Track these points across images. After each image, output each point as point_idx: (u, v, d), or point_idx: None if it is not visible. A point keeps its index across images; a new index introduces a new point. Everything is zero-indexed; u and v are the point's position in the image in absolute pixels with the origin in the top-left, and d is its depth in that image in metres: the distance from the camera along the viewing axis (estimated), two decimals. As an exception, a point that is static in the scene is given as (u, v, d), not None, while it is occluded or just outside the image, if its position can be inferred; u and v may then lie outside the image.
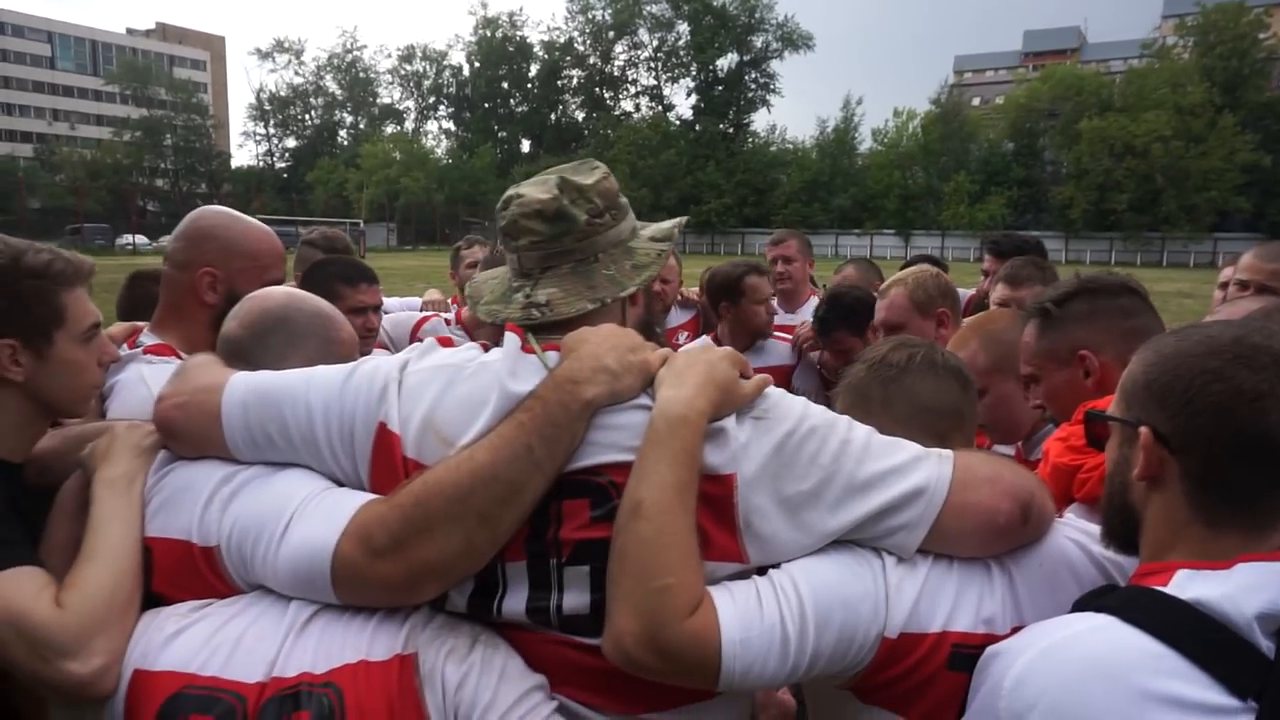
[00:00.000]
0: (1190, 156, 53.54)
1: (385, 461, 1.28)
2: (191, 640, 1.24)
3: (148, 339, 1.97)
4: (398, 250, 51.94)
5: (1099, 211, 56.42)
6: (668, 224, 1.53)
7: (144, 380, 1.80)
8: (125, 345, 1.96)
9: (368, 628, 1.24)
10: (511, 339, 1.33)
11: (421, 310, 3.73)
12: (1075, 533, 1.33)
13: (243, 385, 1.38)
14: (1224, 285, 3.58)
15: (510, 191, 1.42)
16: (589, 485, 1.23)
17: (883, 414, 1.44)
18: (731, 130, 71.71)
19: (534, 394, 1.23)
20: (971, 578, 1.25)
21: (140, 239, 45.42)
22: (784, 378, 3.71)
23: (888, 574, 1.23)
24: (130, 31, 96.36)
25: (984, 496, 1.24)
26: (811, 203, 63.38)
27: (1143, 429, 1.08)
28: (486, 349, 1.38)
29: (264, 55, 78.94)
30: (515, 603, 1.24)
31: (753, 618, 1.16)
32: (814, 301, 4.42)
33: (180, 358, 1.87)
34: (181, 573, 1.33)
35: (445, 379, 1.31)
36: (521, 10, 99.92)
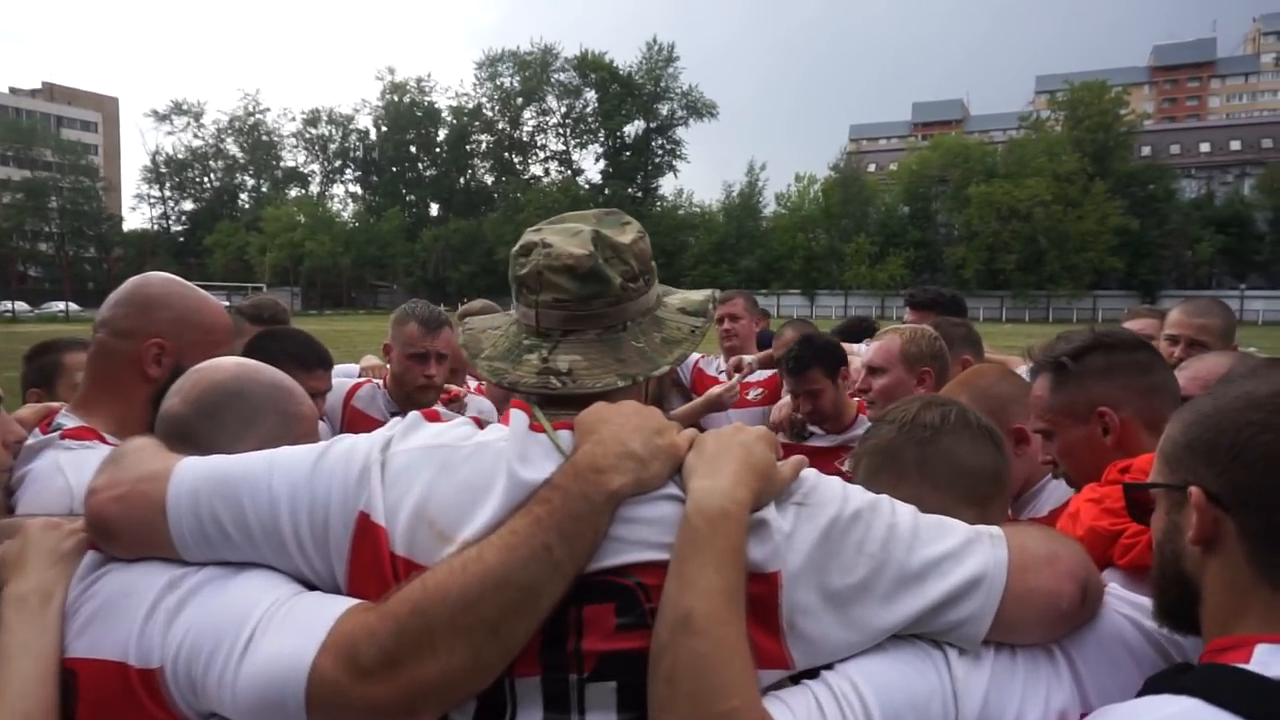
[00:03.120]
0: (1069, 220, 57.40)
1: (369, 559, 1.10)
2: None
3: (66, 420, 1.72)
4: (302, 315, 50.36)
5: (989, 271, 59.55)
6: (699, 296, 1.37)
7: (61, 469, 1.56)
8: (38, 430, 1.71)
9: None
10: (519, 416, 1.17)
11: (360, 376, 3.51)
12: (1125, 607, 1.23)
13: (192, 472, 1.19)
14: None
15: (532, 236, 1.24)
16: (614, 587, 1.07)
17: (919, 480, 1.34)
18: (640, 194, 73.07)
19: (550, 483, 1.07)
20: (1037, 666, 1.16)
21: (21, 305, 42.99)
22: None
23: (953, 668, 1.11)
24: (14, 90, 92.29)
25: (1045, 580, 1.14)
26: (719, 264, 64.75)
27: (1192, 489, 1.03)
28: (480, 425, 1.21)
29: (161, 117, 76.62)
30: None
31: None
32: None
33: (105, 442, 1.64)
34: (114, 702, 1.11)
35: (438, 462, 1.14)
36: (429, 76, 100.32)
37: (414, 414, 1.24)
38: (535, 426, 1.16)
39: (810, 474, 1.18)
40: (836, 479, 1.20)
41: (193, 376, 1.38)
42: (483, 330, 1.33)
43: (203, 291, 1.90)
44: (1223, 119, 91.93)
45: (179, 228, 78.77)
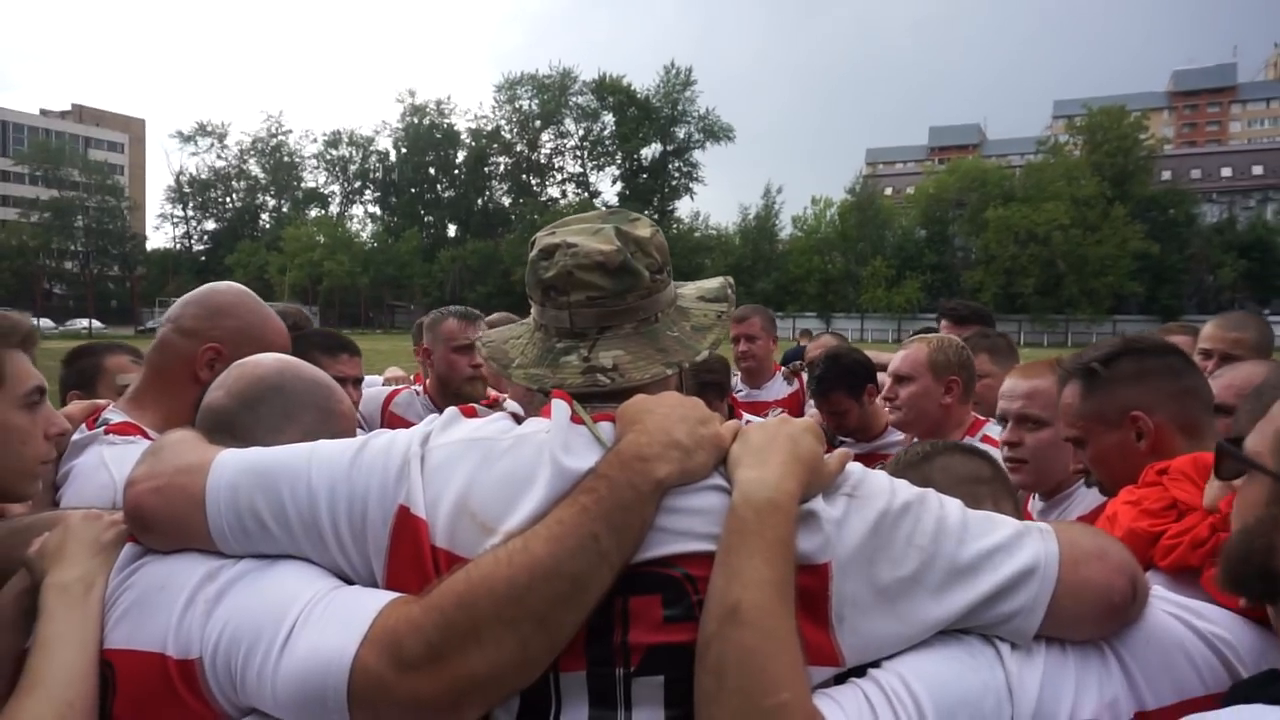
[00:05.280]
0: (1087, 244, 57.16)
1: (409, 552, 1.09)
2: None
3: (113, 415, 1.75)
4: (321, 333, 50.63)
5: (1007, 295, 59.27)
6: (714, 283, 1.37)
7: (105, 464, 1.60)
8: (85, 426, 1.74)
9: None
10: (561, 407, 1.15)
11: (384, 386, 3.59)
12: (1174, 607, 1.22)
13: (232, 464, 1.18)
14: None
15: (550, 239, 1.23)
16: (660, 579, 1.05)
17: None
18: (656, 217, 73.08)
19: (596, 473, 1.06)
20: (1088, 661, 1.14)
21: (46, 322, 43.63)
22: None
23: (1006, 663, 1.09)
24: (44, 112, 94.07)
25: (1097, 573, 1.13)
26: (735, 287, 64.68)
27: None
28: (518, 419, 1.20)
29: (186, 138, 77.84)
30: None
31: None
32: (779, 378, 4.41)
33: (149, 438, 1.67)
34: (151, 694, 1.09)
35: (479, 454, 1.13)
36: (449, 99, 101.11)
37: (451, 410, 1.23)
38: (575, 419, 1.15)
39: (857, 467, 1.17)
40: (883, 473, 1.20)
41: (235, 370, 1.41)
42: (504, 341, 1.34)
43: (271, 310, 1.95)
44: (1244, 144, 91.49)
45: (201, 247, 79.70)
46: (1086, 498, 1.96)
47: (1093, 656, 1.14)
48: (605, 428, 1.14)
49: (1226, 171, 78.63)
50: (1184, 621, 1.20)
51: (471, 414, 1.24)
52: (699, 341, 1.26)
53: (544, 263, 1.24)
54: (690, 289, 1.37)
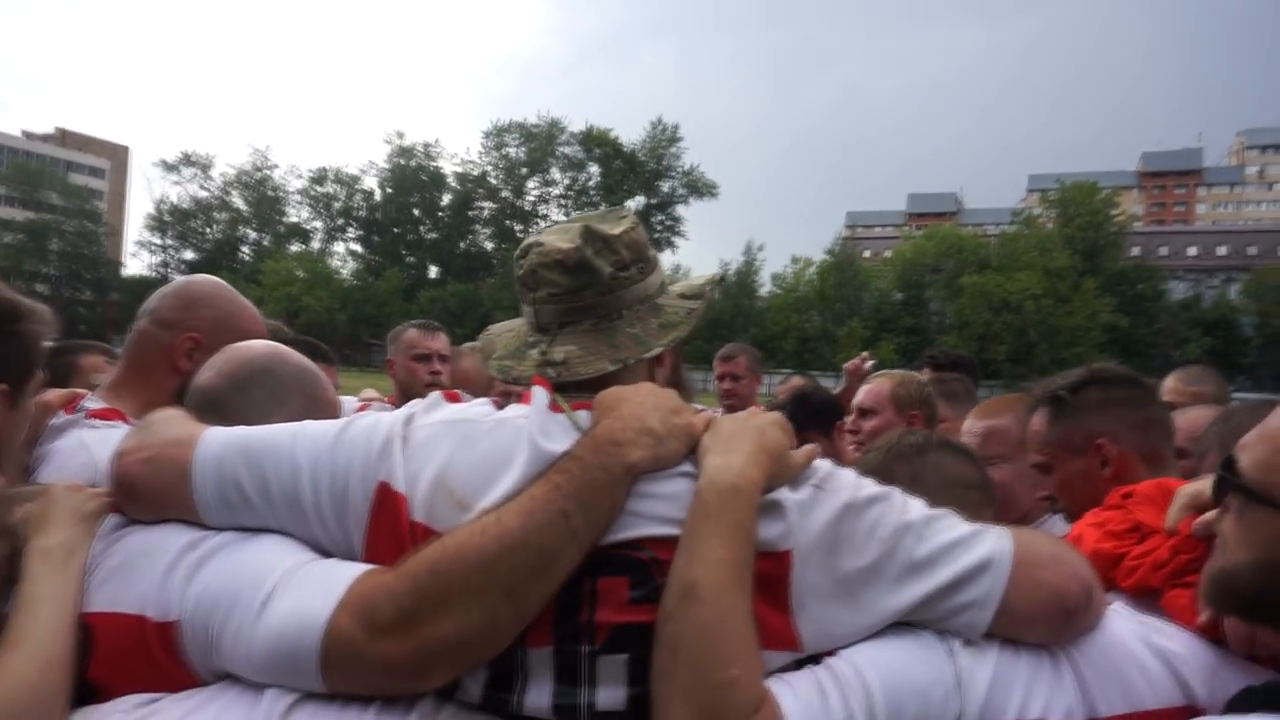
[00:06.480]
0: (1059, 315, 58.27)
1: (388, 526, 1.13)
2: None
3: (93, 403, 1.77)
4: (294, 368, 50.29)
5: (980, 361, 59.43)
6: (699, 280, 1.43)
7: (86, 445, 1.61)
8: (64, 411, 1.76)
9: None
10: (540, 393, 1.20)
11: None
12: (1132, 623, 1.26)
13: (219, 439, 1.22)
14: None
15: (530, 239, 1.33)
16: (628, 561, 1.10)
17: (912, 490, 1.39)
18: (638, 267, 73.76)
19: (570, 454, 1.11)
20: (1040, 664, 1.17)
21: (12, 344, 42.91)
22: None
23: (957, 659, 1.12)
24: (27, 135, 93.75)
25: (1051, 575, 1.16)
26: (714, 340, 64.80)
27: None
28: (500, 405, 1.26)
29: (170, 167, 77.68)
30: (539, 697, 1.08)
31: (817, 715, 1.04)
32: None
33: (130, 424, 1.68)
34: (128, 655, 1.12)
35: (459, 434, 1.18)
36: (437, 142, 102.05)
37: (435, 394, 1.28)
38: (554, 406, 1.19)
39: (825, 463, 1.21)
40: (850, 469, 1.24)
41: (226, 353, 1.45)
42: (499, 334, 1.42)
43: (247, 301, 1.98)
44: (1210, 225, 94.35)
45: (177, 276, 79.11)
46: (1057, 528, 1.99)
47: (1045, 660, 1.17)
48: (582, 415, 1.19)
49: (1193, 250, 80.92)
50: (1141, 637, 1.23)
51: (455, 399, 1.29)
52: (658, 338, 1.30)
53: (521, 260, 1.32)
54: (679, 285, 1.42)
